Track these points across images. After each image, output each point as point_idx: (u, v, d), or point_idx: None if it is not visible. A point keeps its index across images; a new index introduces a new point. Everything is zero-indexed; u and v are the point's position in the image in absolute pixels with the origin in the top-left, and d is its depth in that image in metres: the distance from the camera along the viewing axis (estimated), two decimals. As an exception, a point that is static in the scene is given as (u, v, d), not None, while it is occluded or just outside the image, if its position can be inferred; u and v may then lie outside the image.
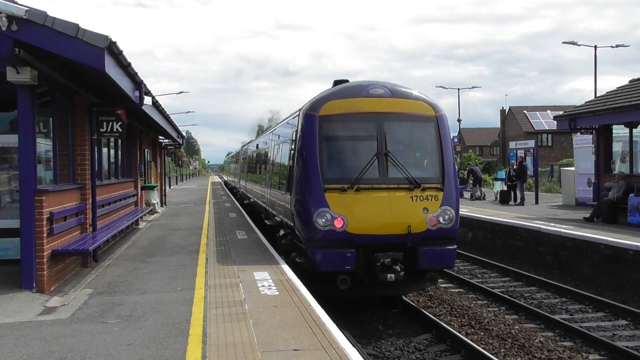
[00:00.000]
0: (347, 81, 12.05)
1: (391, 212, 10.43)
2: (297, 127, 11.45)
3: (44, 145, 10.20)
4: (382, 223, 10.40)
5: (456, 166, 12.89)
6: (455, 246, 10.92)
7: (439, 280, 14.46)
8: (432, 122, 11.13)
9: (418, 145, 11.49)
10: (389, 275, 10.10)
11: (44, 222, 8.84)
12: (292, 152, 11.72)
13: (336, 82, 12.09)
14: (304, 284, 9.20)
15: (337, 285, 10.26)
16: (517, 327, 10.63)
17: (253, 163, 23.61)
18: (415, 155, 11.53)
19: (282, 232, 12.88)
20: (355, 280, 10.39)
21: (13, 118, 9.56)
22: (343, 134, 11.14)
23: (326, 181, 10.51)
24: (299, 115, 11.67)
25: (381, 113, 10.93)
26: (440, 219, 10.55)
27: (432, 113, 11.18)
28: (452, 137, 11.64)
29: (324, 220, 10.29)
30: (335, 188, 10.45)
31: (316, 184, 10.48)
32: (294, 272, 10.17)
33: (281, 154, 14.26)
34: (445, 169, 10.88)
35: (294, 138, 11.79)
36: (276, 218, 14.08)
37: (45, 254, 8.82)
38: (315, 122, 10.84)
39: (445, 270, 14.98)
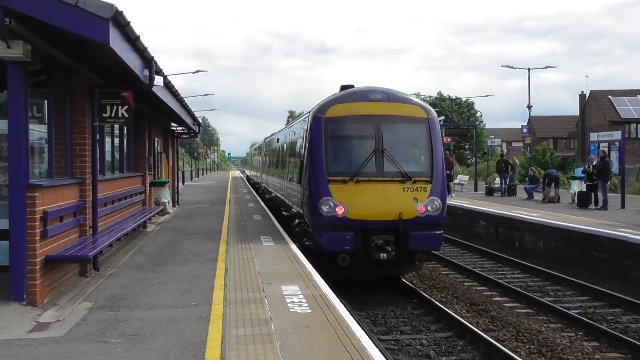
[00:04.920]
0: (352, 86, 15.39)
1: (385, 201, 13.67)
2: (307, 126, 14.82)
3: (37, 132, 10.32)
4: (377, 210, 13.59)
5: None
6: (442, 231, 14.22)
7: (503, 299, 14.46)
8: (424, 123, 14.39)
9: (410, 144, 14.74)
10: (381, 255, 13.36)
11: (37, 223, 8.92)
12: (303, 148, 15.13)
13: (342, 87, 15.54)
14: (311, 263, 11.68)
15: (338, 263, 13.33)
16: (597, 356, 10.47)
17: (273, 157, 27.50)
18: (408, 152, 14.72)
19: (296, 221, 16.38)
20: (354, 260, 13.53)
21: (2, 101, 9.66)
22: (345, 134, 14.45)
23: (330, 174, 13.80)
24: (309, 116, 15.03)
25: (379, 115, 14.22)
26: (428, 208, 13.76)
27: (424, 116, 14.43)
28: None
29: (327, 207, 13.55)
30: (338, 180, 13.74)
31: (321, 177, 13.81)
32: (303, 253, 12.97)
33: (295, 150, 18.10)
34: (434, 164, 14.10)
35: (304, 136, 15.29)
36: (292, 210, 17.59)
37: (37, 260, 8.90)
38: (322, 123, 14.19)
39: (508, 285, 15.05)
